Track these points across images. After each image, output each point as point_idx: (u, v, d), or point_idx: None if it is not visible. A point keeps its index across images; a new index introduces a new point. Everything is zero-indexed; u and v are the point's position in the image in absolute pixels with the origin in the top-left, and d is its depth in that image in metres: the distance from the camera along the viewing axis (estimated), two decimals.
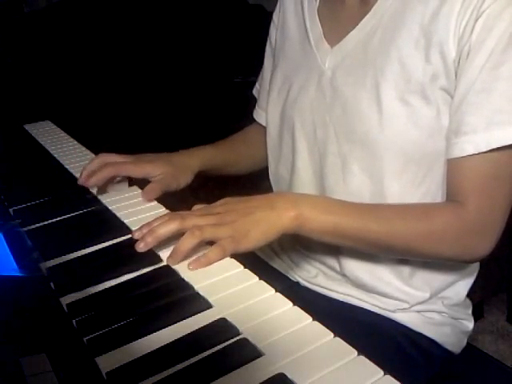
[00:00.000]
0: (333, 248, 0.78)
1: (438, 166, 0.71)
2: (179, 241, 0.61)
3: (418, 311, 0.79)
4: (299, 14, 0.85)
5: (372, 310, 0.80)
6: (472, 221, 0.67)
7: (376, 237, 0.68)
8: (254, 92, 1.03)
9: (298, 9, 0.86)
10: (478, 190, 0.66)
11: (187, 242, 0.61)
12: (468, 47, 0.64)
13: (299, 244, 0.87)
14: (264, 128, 0.95)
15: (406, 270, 0.77)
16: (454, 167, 0.69)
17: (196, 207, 0.72)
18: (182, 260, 0.61)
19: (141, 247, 0.62)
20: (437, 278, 0.78)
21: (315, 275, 0.85)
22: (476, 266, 0.83)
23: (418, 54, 0.68)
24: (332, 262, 0.82)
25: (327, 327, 0.48)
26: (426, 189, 0.73)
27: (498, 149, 0.64)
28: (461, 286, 0.81)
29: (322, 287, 0.84)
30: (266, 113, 0.90)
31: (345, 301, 0.82)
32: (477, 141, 0.65)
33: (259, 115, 1.00)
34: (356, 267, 0.78)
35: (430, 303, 0.79)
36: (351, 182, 0.76)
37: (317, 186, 0.82)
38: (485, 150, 0.64)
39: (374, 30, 0.72)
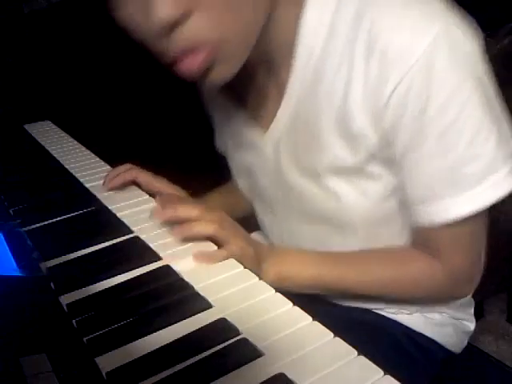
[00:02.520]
0: None
1: (395, 221, 0.70)
2: (196, 221, 0.62)
3: (420, 312, 0.79)
4: (226, 102, 0.79)
5: (373, 310, 0.80)
6: (445, 273, 0.68)
7: (354, 284, 0.71)
8: None
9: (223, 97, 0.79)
10: (450, 247, 0.66)
11: (202, 227, 0.62)
12: (390, 125, 0.59)
13: None
14: None
15: None
16: (422, 229, 0.66)
17: None
18: (188, 239, 0.62)
19: (157, 216, 0.65)
20: None
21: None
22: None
23: (343, 144, 0.63)
24: None
25: (327, 327, 0.48)
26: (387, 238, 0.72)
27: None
28: None
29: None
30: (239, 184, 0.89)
31: (346, 303, 0.82)
32: (445, 208, 0.61)
33: None
34: None
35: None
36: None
37: None
38: (454, 217, 0.61)
39: (296, 117, 0.67)
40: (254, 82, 0.71)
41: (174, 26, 0.52)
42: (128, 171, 0.82)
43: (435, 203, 0.61)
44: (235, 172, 0.88)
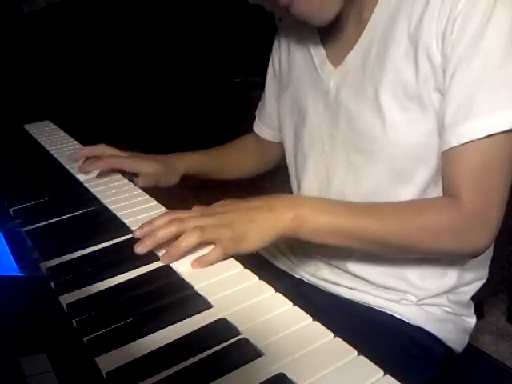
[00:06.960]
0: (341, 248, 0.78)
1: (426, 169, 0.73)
2: (179, 239, 0.61)
3: (421, 304, 0.79)
4: (302, 41, 0.88)
5: (376, 303, 0.80)
6: (467, 214, 0.67)
7: (373, 235, 0.69)
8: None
9: (301, 37, 0.88)
10: (469, 182, 0.66)
11: (187, 241, 0.61)
12: (450, 47, 0.65)
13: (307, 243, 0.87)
14: (260, 140, 1.05)
15: (417, 271, 0.78)
16: (445, 161, 0.69)
17: (195, 208, 0.72)
18: (178, 259, 0.61)
19: (139, 250, 0.62)
20: (452, 279, 0.79)
21: (319, 268, 0.86)
22: (487, 270, 0.84)
23: (408, 63, 0.69)
24: (340, 262, 0.82)
25: (328, 325, 0.48)
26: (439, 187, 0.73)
27: (485, 139, 0.64)
28: (470, 286, 0.82)
29: (326, 281, 0.84)
30: (283, 133, 0.94)
31: (348, 295, 0.82)
32: (458, 132, 0.65)
33: (259, 128, 1.05)
34: (367, 269, 0.79)
35: (436, 297, 0.80)
36: (362, 191, 0.77)
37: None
38: (466, 141, 0.65)
39: (370, 45, 0.75)
40: (337, 22, 0.78)
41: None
42: (101, 161, 0.87)
43: (469, 121, 0.64)
44: (287, 116, 0.91)
